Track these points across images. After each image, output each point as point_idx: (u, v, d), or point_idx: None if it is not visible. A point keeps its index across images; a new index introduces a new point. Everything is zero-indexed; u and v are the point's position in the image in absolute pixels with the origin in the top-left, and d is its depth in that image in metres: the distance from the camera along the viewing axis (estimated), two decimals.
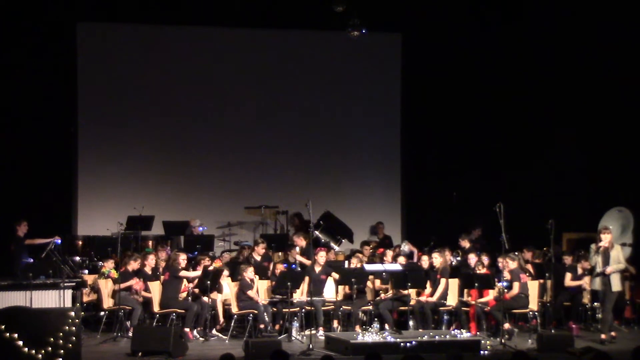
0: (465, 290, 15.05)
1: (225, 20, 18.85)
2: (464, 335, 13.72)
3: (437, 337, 13.38)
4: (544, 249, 16.01)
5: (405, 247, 17.37)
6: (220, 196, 19.07)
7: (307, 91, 19.76)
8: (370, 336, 13.18)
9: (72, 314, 11.82)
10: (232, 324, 14.50)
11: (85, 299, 14.79)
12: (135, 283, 14.55)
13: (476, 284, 14.65)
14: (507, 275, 14.57)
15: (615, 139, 17.99)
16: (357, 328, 14.41)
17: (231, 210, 18.73)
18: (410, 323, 14.64)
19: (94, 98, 18.84)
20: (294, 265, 15.59)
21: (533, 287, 14.91)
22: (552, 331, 14.50)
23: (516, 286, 14.53)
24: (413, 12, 18.72)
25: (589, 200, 17.84)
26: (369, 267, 15.21)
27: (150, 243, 16.90)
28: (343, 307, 14.80)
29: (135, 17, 18.66)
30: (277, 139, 19.58)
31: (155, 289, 14.62)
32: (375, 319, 14.52)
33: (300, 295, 14.78)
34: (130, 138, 18.99)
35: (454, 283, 15.15)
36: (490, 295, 14.73)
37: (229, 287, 14.76)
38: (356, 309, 14.64)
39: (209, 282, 14.25)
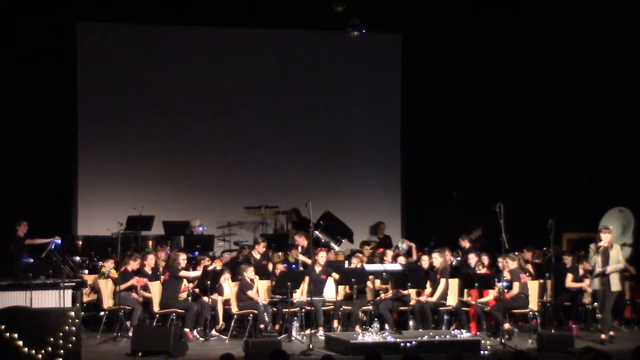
0: (465, 290, 15.05)
1: (225, 20, 18.84)
2: (464, 335, 13.72)
3: (437, 337, 13.38)
4: (544, 248, 16.01)
5: (403, 244, 17.37)
6: (220, 196, 19.07)
7: (307, 91, 19.76)
8: (370, 336, 13.18)
9: (72, 314, 11.82)
10: (232, 324, 14.50)
11: (85, 299, 14.79)
12: (137, 281, 14.55)
13: (476, 284, 14.65)
14: (507, 275, 14.57)
15: (615, 139, 17.98)
16: (357, 328, 14.41)
17: (231, 210, 18.73)
18: (410, 323, 14.64)
19: (94, 98, 18.84)
20: (294, 265, 15.59)
21: (533, 287, 14.91)
22: (552, 331, 14.50)
23: (516, 286, 14.53)
24: (413, 12, 18.72)
25: (589, 200, 17.84)
26: (369, 267, 15.21)
27: (150, 243, 16.90)
28: (343, 307, 14.80)
29: (135, 17, 18.65)
30: (277, 139, 19.58)
31: (155, 289, 14.63)
32: (375, 319, 14.52)
33: (300, 295, 14.78)
34: (130, 138, 18.99)
35: (454, 283, 15.15)
36: (490, 295, 14.73)
37: (229, 287, 14.75)
38: (356, 309, 14.64)
39: (209, 282, 14.25)
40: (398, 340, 12.99)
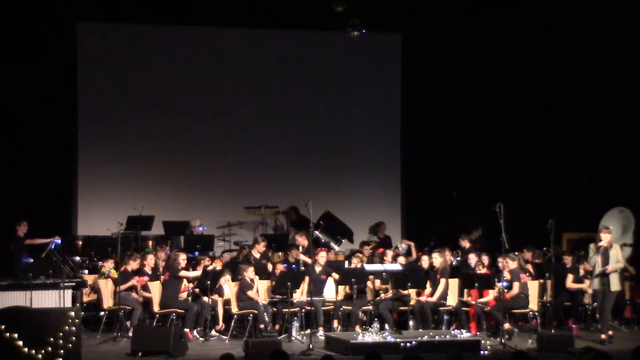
0: (465, 290, 15.05)
1: (225, 20, 18.84)
2: (464, 335, 13.72)
3: (437, 337, 13.38)
4: (544, 248, 16.01)
5: (402, 245, 17.36)
6: (220, 196, 19.07)
7: (307, 91, 19.76)
8: (370, 336, 13.19)
9: (72, 314, 11.82)
10: (232, 324, 14.50)
11: (85, 299, 14.79)
12: (137, 281, 14.55)
13: (476, 284, 14.65)
14: (507, 275, 14.57)
15: (615, 139, 17.98)
16: (357, 328, 14.41)
17: (231, 210, 18.73)
18: (410, 323, 14.64)
19: (94, 98, 18.84)
20: (294, 265, 15.59)
21: (533, 287, 14.91)
22: (552, 331, 14.50)
23: (516, 286, 14.53)
24: (413, 12, 18.72)
25: (589, 200, 17.83)
26: (369, 267, 15.21)
27: (150, 243, 16.90)
28: (343, 307, 14.80)
29: (135, 17, 18.65)
30: (277, 139, 19.58)
31: (155, 289, 14.63)
32: (375, 319, 14.52)
33: (300, 295, 14.78)
34: (130, 138, 18.99)
35: (454, 283, 15.15)
36: (490, 295, 14.73)
37: (229, 288, 14.75)
38: (356, 309, 14.64)
39: (208, 282, 14.26)
40: (398, 340, 12.99)
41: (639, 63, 17.43)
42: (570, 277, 15.40)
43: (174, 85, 19.14)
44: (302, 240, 16.10)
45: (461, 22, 18.92)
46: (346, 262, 16.18)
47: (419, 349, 12.59)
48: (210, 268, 14.67)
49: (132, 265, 14.72)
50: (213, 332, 14.50)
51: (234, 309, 14.51)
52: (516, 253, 15.22)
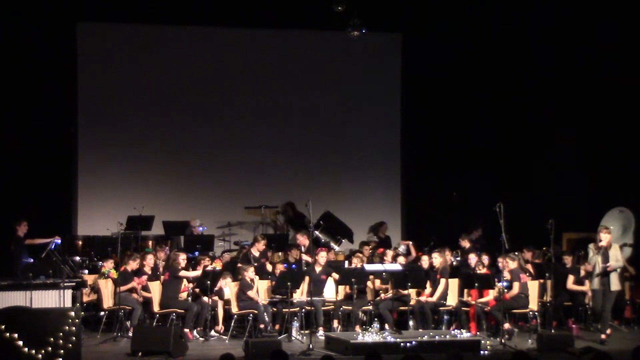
0: (465, 290, 15.05)
1: (225, 20, 18.84)
2: (464, 335, 13.73)
3: (437, 337, 13.38)
4: (544, 248, 16.00)
5: (402, 247, 17.36)
6: (220, 196, 19.06)
7: (307, 91, 19.76)
8: (370, 336, 13.19)
9: (72, 314, 11.82)
10: (232, 324, 14.50)
11: (85, 299, 14.79)
12: (138, 283, 14.54)
13: (476, 284, 14.65)
14: (507, 275, 14.57)
15: (615, 139, 17.98)
16: (357, 328, 14.42)
17: (231, 210, 18.74)
18: (410, 323, 14.64)
19: (94, 98, 18.84)
20: (294, 265, 15.59)
21: (533, 287, 14.91)
22: (552, 331, 14.50)
23: (516, 286, 14.53)
24: (413, 12, 18.72)
25: (589, 200, 17.83)
26: (369, 267, 15.21)
27: (150, 243, 16.91)
28: (343, 307, 14.80)
29: (135, 17, 18.65)
30: (277, 139, 19.58)
31: (155, 289, 14.63)
32: (375, 319, 14.53)
33: (300, 295, 14.78)
34: (130, 138, 18.99)
35: (454, 283, 15.15)
36: (490, 295, 14.73)
37: (229, 289, 14.74)
38: (356, 309, 14.64)
39: (208, 282, 14.26)
40: (398, 340, 13.00)
41: (639, 63, 17.43)
42: (571, 278, 15.39)
43: (174, 85, 19.14)
44: (304, 240, 16.10)
45: (461, 22, 18.91)
46: (346, 262, 16.18)
47: (419, 349, 12.59)
48: (210, 268, 14.66)
49: (132, 265, 14.72)
50: (213, 332, 14.50)
51: (234, 309, 14.50)
52: (516, 253, 15.22)
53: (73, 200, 18.67)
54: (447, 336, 13.48)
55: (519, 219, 15.31)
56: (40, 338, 11.53)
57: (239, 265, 15.31)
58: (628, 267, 15.83)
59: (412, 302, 14.74)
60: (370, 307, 14.90)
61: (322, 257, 15.13)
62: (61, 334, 11.64)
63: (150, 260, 14.93)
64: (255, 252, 15.71)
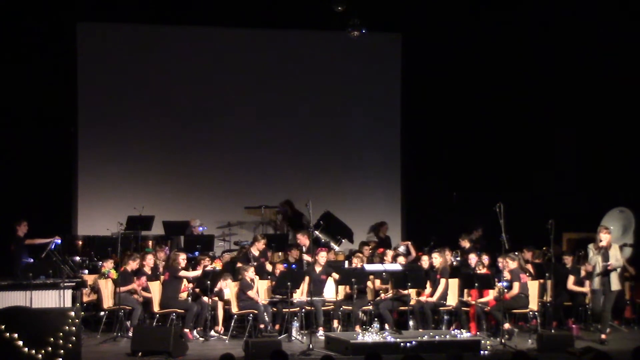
0: (465, 290, 15.05)
1: (225, 20, 18.84)
2: (464, 335, 13.72)
3: (437, 337, 13.38)
4: (544, 248, 15.99)
5: (401, 247, 17.36)
6: (220, 196, 19.07)
7: (307, 91, 19.76)
8: (370, 336, 13.19)
9: (72, 314, 11.82)
10: (232, 324, 14.50)
11: (85, 299, 14.79)
12: (138, 284, 14.53)
13: (476, 284, 14.65)
14: (507, 275, 14.56)
15: (615, 139, 17.98)
16: (357, 328, 14.41)
17: (231, 210, 18.74)
18: (410, 323, 14.64)
19: (94, 98, 18.84)
20: (294, 265, 15.59)
21: (533, 287, 14.91)
22: (552, 331, 14.50)
23: (516, 286, 14.53)
24: (413, 12, 18.71)
25: (589, 200, 17.83)
26: (369, 267, 15.21)
27: (150, 243, 16.91)
28: (343, 307, 14.80)
29: (135, 17, 18.65)
30: (277, 139, 19.58)
31: (155, 289, 14.63)
32: (375, 319, 14.53)
33: (300, 295, 14.78)
34: (130, 138, 18.99)
35: (454, 283, 15.14)
36: (490, 295, 14.72)
37: (230, 290, 14.73)
38: (356, 309, 14.63)
39: (208, 282, 14.26)
40: (398, 340, 12.99)
41: (639, 63, 17.43)
42: (571, 279, 15.39)
43: (174, 85, 19.14)
44: (304, 240, 16.10)
45: (461, 22, 18.91)
46: (346, 262, 16.18)
47: (419, 349, 12.59)
48: (209, 268, 14.65)
49: (132, 265, 14.72)
50: (213, 332, 14.50)
51: (234, 309, 14.50)
52: (516, 253, 15.21)
53: (73, 200, 18.67)
54: (447, 336, 13.48)
55: (519, 219, 15.31)
56: (40, 338, 11.53)
57: (239, 264, 15.30)
58: (628, 267, 15.84)
59: (412, 302, 14.74)
60: (370, 307, 14.90)
61: (322, 257, 15.13)
62: (61, 334, 11.64)
63: (150, 260, 14.93)
64: (255, 251, 15.70)
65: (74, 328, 11.74)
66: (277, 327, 14.52)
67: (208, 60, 19.30)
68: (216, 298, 14.62)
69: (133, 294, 14.57)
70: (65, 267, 14.15)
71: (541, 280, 15.13)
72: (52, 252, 15.37)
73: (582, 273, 15.20)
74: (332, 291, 15.22)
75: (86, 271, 15.95)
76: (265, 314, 14.22)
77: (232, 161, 19.35)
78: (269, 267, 15.60)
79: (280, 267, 15.31)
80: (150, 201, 17.88)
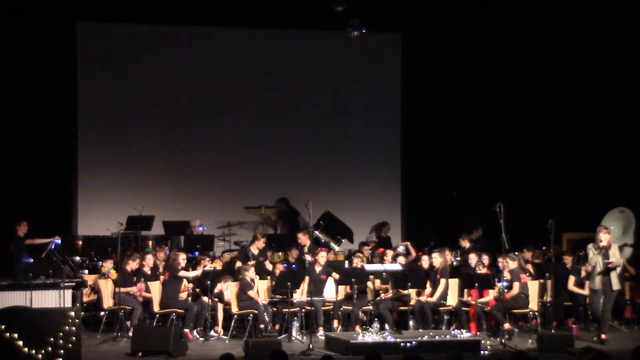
0: (465, 290, 15.04)
1: (225, 20, 18.84)
2: (464, 335, 13.72)
3: (437, 337, 13.38)
4: (544, 248, 15.99)
5: (400, 247, 17.36)
6: (220, 196, 19.07)
7: (307, 91, 19.77)
8: (370, 336, 13.18)
9: (72, 314, 11.82)
10: (232, 324, 14.50)
11: (85, 299, 14.79)
12: (137, 289, 14.51)
13: (476, 284, 14.65)
14: (507, 275, 14.56)
15: (615, 139, 17.98)
16: (357, 328, 14.41)
17: (231, 210, 18.73)
18: (410, 323, 14.64)
19: (94, 98, 18.85)
20: (294, 265, 15.59)
21: (533, 287, 14.91)
22: (552, 331, 14.49)
23: (516, 286, 14.53)
24: (413, 12, 18.72)
25: (589, 200, 17.83)
26: (369, 267, 15.21)
27: (150, 243, 16.91)
28: (343, 307, 14.80)
29: (135, 17, 18.66)
30: (277, 139, 19.59)
31: (155, 289, 14.63)
32: (375, 319, 14.52)
33: (300, 295, 14.78)
34: (130, 138, 19.00)
35: (454, 283, 15.14)
36: (490, 295, 14.72)
37: (229, 290, 14.72)
38: (356, 309, 14.63)
39: (208, 282, 14.26)
40: (398, 340, 12.99)
41: (639, 63, 17.43)
42: (572, 279, 15.38)
43: (174, 85, 19.15)
44: (305, 239, 16.11)
45: (461, 22, 18.91)
46: (346, 262, 16.18)
47: (419, 349, 12.58)
48: (209, 268, 14.64)
49: (132, 265, 14.71)
50: (213, 332, 14.50)
51: (234, 309, 14.50)
52: (516, 253, 15.21)
53: (73, 200, 18.67)
54: (447, 336, 13.48)
55: (519, 219, 15.31)
56: (40, 338, 11.53)
57: (238, 263, 15.29)
58: (628, 267, 15.84)
59: (412, 302, 14.74)
60: (370, 307, 14.90)
61: (322, 257, 15.13)
62: (61, 334, 11.63)
63: (149, 260, 14.92)
64: (254, 250, 15.69)
65: (74, 328, 11.73)
66: (277, 327, 14.51)
67: (208, 60, 19.31)
68: (216, 299, 14.62)
69: (134, 296, 14.56)
70: (65, 267, 14.15)
71: (541, 280, 15.13)
72: (52, 252, 15.37)
73: (583, 273, 15.19)
74: (332, 291, 15.22)
75: (86, 271, 15.95)
76: (265, 314, 14.22)
77: (232, 161, 19.35)
78: (268, 267, 15.60)
79: (280, 267, 15.31)
80: (150, 201, 17.88)
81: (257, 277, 14.84)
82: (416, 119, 19.75)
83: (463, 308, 14.86)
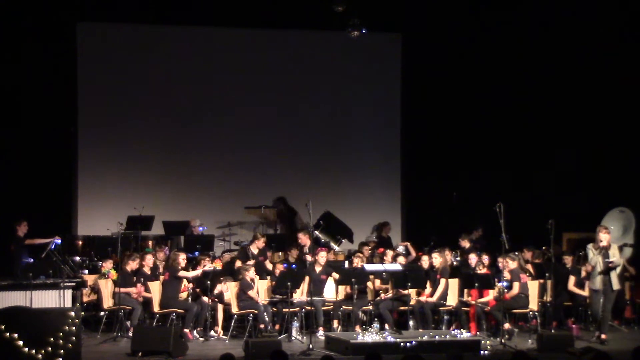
0: (465, 290, 15.05)
1: (225, 20, 18.84)
2: (464, 335, 13.72)
3: (437, 337, 13.38)
4: (544, 248, 15.99)
5: (400, 247, 17.36)
6: (220, 196, 19.07)
7: (307, 91, 19.77)
8: (370, 336, 13.18)
9: (72, 314, 11.82)
10: (232, 324, 14.50)
11: (85, 299, 14.79)
12: (136, 293, 14.50)
13: (476, 284, 14.65)
14: (507, 275, 14.56)
15: (615, 139, 17.98)
16: (357, 328, 14.41)
17: (231, 210, 18.72)
18: (410, 323, 14.64)
19: (94, 98, 18.85)
20: (294, 265, 15.59)
21: (533, 287, 14.91)
22: (552, 331, 14.49)
23: (516, 286, 14.53)
24: (413, 12, 18.72)
25: (589, 200, 17.83)
26: (369, 267, 15.21)
27: (150, 243, 16.91)
28: (343, 307, 14.80)
29: (135, 17, 18.66)
30: (277, 139, 19.59)
31: (155, 289, 14.63)
32: (375, 319, 14.52)
33: (300, 295, 14.78)
34: (130, 138, 18.99)
35: (454, 283, 15.14)
36: (490, 295, 14.72)
37: (230, 290, 14.72)
38: (356, 309, 14.63)
39: (208, 282, 14.26)
40: (398, 340, 12.99)
41: (639, 63, 17.43)
42: (572, 279, 15.38)
43: (174, 85, 19.15)
44: (305, 239, 16.11)
45: (461, 22, 18.91)
46: (346, 262, 16.18)
47: (419, 349, 12.58)
48: (209, 268, 14.63)
49: (132, 265, 14.71)
50: (213, 332, 14.50)
51: (234, 309, 14.49)
52: (516, 253, 15.21)
53: (73, 200, 18.67)
54: (447, 336, 13.48)
55: (519, 219, 15.31)
56: (40, 338, 11.53)
57: (238, 262, 15.28)
58: (628, 267, 15.84)
59: (412, 302, 14.74)
60: (370, 307, 14.90)
61: (322, 257, 15.13)
62: (61, 334, 11.63)
63: (149, 260, 14.92)
64: (254, 249, 15.69)
65: (74, 328, 11.73)
66: (277, 327, 14.51)
67: (208, 60, 19.30)
68: (216, 300, 14.61)
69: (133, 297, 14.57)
70: (65, 267, 14.15)
71: (541, 280, 15.13)
72: (52, 252, 15.36)
73: (583, 273, 15.20)
74: (332, 291, 15.22)
75: (86, 271, 15.95)
76: (265, 314, 14.21)
77: (232, 161, 19.35)
78: (268, 266, 15.60)
79: (280, 267, 15.31)
80: (150, 201, 17.88)
81: (257, 277, 14.83)
82: (416, 119, 19.75)
83: (463, 308, 14.86)
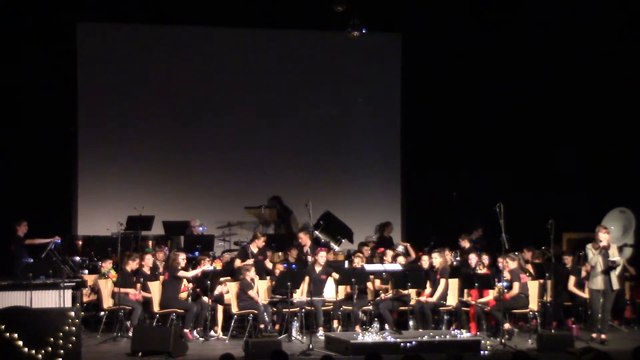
0: (465, 290, 15.04)
1: (225, 20, 18.85)
2: (464, 335, 13.72)
3: (437, 337, 13.38)
4: (543, 248, 15.99)
5: (400, 247, 17.36)
6: (220, 196, 19.07)
7: (307, 91, 19.77)
8: (370, 336, 13.19)
9: (72, 314, 11.82)
10: (232, 324, 14.50)
11: (85, 299, 14.79)
12: (133, 295, 14.50)
13: (476, 284, 14.65)
14: (507, 275, 14.56)
15: (615, 139, 17.98)
16: (357, 328, 14.41)
17: (231, 210, 18.72)
18: (410, 323, 14.64)
19: (94, 98, 18.85)
20: (294, 265, 15.59)
21: (533, 287, 14.91)
22: (552, 331, 14.49)
23: (516, 286, 14.53)
24: (413, 12, 18.72)
25: (589, 200, 17.83)
26: (369, 267, 15.21)
27: (150, 243, 16.91)
28: (343, 307, 14.80)
29: (135, 17, 18.66)
30: (277, 138, 19.59)
31: (155, 289, 14.63)
32: (375, 319, 14.52)
33: (300, 295, 14.78)
34: (130, 138, 19.00)
35: (454, 283, 15.14)
36: (490, 295, 14.72)
37: (230, 291, 14.71)
38: (356, 309, 14.64)
39: (208, 282, 14.26)
40: (398, 340, 12.99)
41: (639, 63, 17.43)
42: (572, 279, 15.38)
43: (174, 85, 19.15)
44: (305, 239, 16.10)
45: (461, 22, 18.92)
46: (346, 262, 16.18)
47: (419, 349, 12.58)
48: (209, 268, 14.63)
49: (132, 265, 14.71)
50: (213, 332, 14.50)
51: (234, 309, 14.49)
52: (516, 253, 15.21)
53: (73, 200, 18.67)
54: (447, 336, 13.48)
55: (519, 219, 15.31)
56: (40, 338, 11.53)
57: (237, 261, 15.27)
58: (628, 267, 15.84)
59: (412, 302, 14.74)
60: (370, 307, 14.90)
61: (322, 257, 15.13)
62: (61, 334, 11.64)
63: (148, 260, 14.92)
64: (254, 248, 15.69)
65: (74, 328, 11.73)
66: (277, 327, 14.51)
67: (208, 60, 19.31)
68: (216, 301, 14.61)
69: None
70: (65, 267, 14.15)
71: (541, 280, 15.12)
72: (52, 252, 15.36)
73: (583, 273, 15.20)
74: (332, 291, 15.22)
75: (86, 271, 15.95)
76: (265, 314, 14.21)
77: (232, 161, 19.35)
78: (268, 266, 15.60)
79: (280, 267, 15.31)
80: (150, 201, 17.88)
81: (257, 276, 14.83)
82: (416, 118, 19.75)
83: (463, 308, 14.86)
